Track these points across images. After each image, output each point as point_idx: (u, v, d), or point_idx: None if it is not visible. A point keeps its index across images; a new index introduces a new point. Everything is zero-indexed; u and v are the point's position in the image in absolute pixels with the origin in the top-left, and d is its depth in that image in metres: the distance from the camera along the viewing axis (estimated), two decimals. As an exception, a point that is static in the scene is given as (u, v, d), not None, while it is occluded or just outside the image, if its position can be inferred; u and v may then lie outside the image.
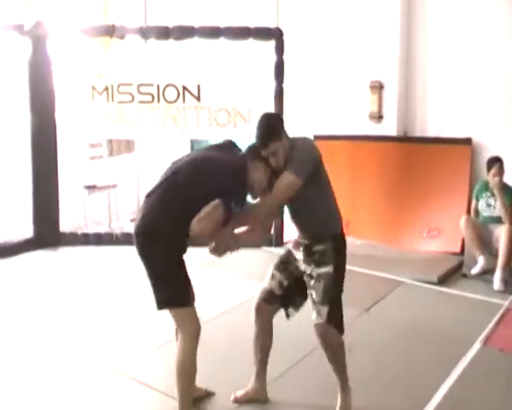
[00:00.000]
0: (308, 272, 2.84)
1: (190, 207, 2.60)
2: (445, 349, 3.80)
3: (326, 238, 2.82)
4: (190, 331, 2.71)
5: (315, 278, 2.80)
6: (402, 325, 4.21)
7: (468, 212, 5.58)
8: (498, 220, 5.23)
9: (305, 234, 2.88)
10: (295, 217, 2.92)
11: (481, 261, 5.17)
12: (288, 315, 3.04)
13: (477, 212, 5.47)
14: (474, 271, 5.20)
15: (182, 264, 2.74)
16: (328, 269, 2.79)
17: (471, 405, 3.16)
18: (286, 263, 2.98)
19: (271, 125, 2.82)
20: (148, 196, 2.80)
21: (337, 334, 2.84)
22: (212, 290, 4.76)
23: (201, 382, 3.18)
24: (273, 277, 2.99)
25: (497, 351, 3.77)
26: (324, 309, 2.77)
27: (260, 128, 2.80)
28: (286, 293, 2.98)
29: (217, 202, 2.59)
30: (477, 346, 3.81)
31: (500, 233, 5.11)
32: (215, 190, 2.62)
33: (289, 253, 2.99)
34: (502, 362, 3.65)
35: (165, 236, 2.64)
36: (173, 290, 2.69)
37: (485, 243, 5.23)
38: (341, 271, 2.86)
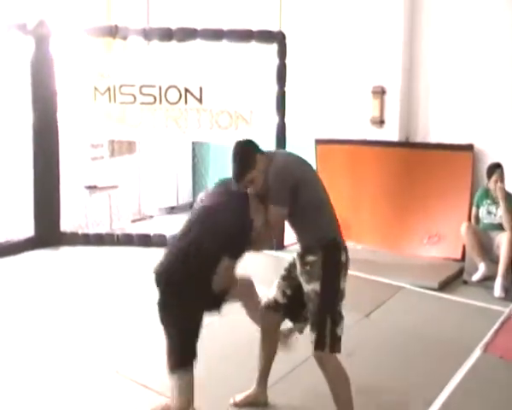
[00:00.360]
0: (302, 284, 2.81)
1: (206, 263, 2.65)
2: (445, 356, 3.79)
3: (316, 249, 2.74)
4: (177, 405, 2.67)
5: (306, 296, 2.76)
6: (402, 331, 4.20)
7: (469, 218, 5.57)
8: (499, 227, 5.23)
9: (299, 243, 2.89)
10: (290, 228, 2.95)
11: (482, 268, 5.16)
12: (300, 331, 3.00)
13: (477, 219, 5.46)
14: (475, 277, 5.20)
15: (199, 323, 2.72)
16: (314, 287, 2.70)
17: (471, 412, 3.16)
18: (289, 270, 2.97)
19: (244, 158, 2.80)
20: (173, 244, 2.81)
21: (334, 358, 2.71)
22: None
23: (201, 383, 3.18)
24: (278, 285, 3.00)
25: (497, 358, 3.76)
26: (312, 336, 2.70)
27: (234, 163, 2.81)
28: (290, 303, 2.95)
29: (226, 263, 2.66)
30: (477, 353, 3.81)
31: (501, 240, 5.12)
32: (225, 244, 2.66)
33: (294, 260, 2.96)
34: (502, 369, 3.65)
35: (184, 295, 2.64)
36: (181, 353, 2.69)
37: (486, 250, 5.23)
38: (331, 286, 2.71)
